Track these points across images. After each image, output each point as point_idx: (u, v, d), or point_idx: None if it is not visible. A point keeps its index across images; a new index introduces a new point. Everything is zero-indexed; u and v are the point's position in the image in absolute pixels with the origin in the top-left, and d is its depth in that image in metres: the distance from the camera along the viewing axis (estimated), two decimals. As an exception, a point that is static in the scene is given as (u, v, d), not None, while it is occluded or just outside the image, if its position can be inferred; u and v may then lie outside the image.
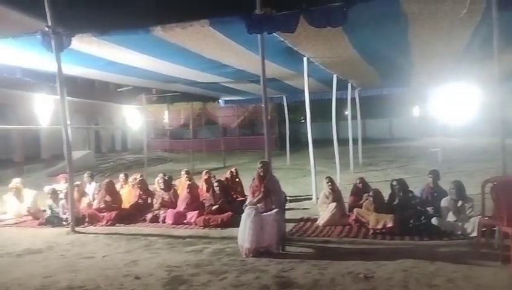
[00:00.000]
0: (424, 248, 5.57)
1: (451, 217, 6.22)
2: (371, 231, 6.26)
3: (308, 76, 8.64)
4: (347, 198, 7.65)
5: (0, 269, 5.41)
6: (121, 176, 9.49)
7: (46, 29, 6.68)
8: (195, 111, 23.10)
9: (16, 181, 8.85)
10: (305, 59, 8.32)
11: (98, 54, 7.57)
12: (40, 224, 7.93)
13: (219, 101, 18.01)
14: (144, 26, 6.33)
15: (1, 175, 14.86)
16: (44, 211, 8.38)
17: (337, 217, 6.93)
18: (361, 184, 7.57)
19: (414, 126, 32.74)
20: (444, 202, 6.37)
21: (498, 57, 5.53)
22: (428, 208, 6.69)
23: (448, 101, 17.27)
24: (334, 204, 7.05)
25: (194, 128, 22.23)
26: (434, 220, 6.20)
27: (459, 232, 6.01)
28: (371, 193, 6.81)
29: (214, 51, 7.76)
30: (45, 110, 15.73)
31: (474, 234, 5.67)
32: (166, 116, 29.29)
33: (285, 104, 17.55)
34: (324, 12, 5.49)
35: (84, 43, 6.90)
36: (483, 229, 5.39)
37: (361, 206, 6.85)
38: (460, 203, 6.23)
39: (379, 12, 5.72)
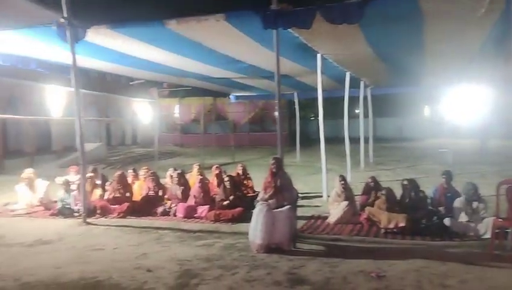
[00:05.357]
0: (435, 248, 5.53)
1: (463, 218, 6.17)
2: (383, 230, 6.22)
3: (321, 73, 8.58)
4: (357, 196, 7.60)
5: (11, 259, 5.47)
6: (130, 171, 9.32)
7: (62, 20, 6.67)
8: (206, 106, 22.99)
9: (28, 171, 8.91)
10: (319, 56, 8.25)
11: (113, 46, 7.59)
12: (51, 215, 8.00)
13: (230, 96, 17.96)
14: (159, 19, 6.33)
15: (12, 165, 14.98)
16: (55, 202, 8.43)
17: (348, 215, 6.90)
18: (372, 183, 7.50)
19: (424, 126, 32.41)
20: (457, 203, 6.32)
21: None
22: (440, 208, 6.64)
23: (458, 102, 17.10)
24: (346, 202, 7.01)
25: (205, 123, 22.21)
26: (446, 221, 6.14)
27: (471, 233, 5.95)
28: (383, 192, 6.75)
29: (228, 46, 7.75)
30: (56, 102, 15.87)
31: (487, 236, 5.63)
32: (177, 110, 29.50)
33: (296, 101, 17.44)
34: (341, 9, 5.42)
35: (99, 35, 6.91)
36: (497, 230, 5.34)
37: (372, 205, 6.81)
38: (475, 204, 6.17)
39: (396, 8, 5.63)
